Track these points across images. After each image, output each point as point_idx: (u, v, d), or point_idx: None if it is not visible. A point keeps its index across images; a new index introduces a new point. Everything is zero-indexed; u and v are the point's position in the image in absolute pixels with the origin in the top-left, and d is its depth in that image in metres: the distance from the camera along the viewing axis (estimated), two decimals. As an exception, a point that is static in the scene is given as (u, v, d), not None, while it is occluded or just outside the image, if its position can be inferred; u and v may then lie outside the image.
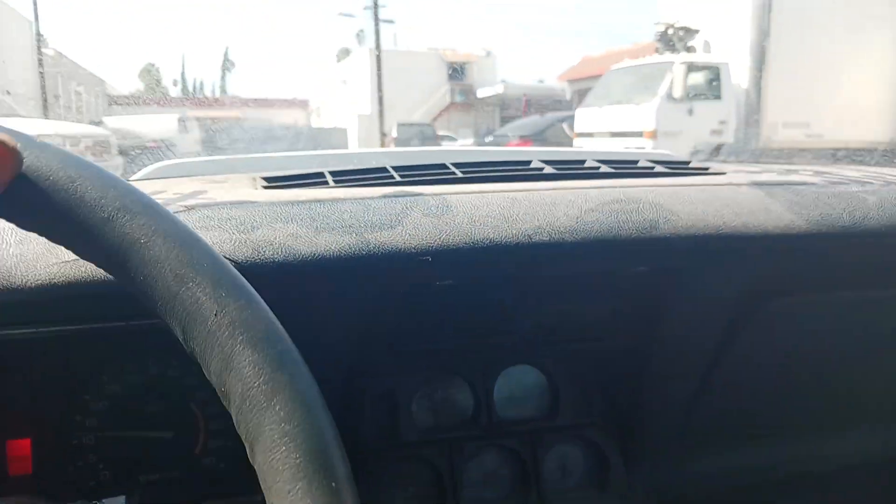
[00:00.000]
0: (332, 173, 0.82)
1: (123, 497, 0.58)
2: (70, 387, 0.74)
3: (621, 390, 0.90)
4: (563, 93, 21.99)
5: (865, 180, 0.84)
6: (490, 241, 0.65)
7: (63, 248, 0.38)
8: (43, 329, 0.63)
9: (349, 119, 21.08)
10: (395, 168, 0.82)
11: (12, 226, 0.37)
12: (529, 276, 0.71)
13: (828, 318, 0.85)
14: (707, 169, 0.90)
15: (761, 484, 1.00)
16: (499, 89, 25.17)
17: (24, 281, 0.57)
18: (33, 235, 0.38)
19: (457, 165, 0.84)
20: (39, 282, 0.57)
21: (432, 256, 0.63)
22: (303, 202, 0.67)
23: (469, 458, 0.87)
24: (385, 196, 0.69)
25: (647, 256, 0.71)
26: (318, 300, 0.65)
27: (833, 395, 0.96)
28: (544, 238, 0.66)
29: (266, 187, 0.79)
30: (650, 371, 0.83)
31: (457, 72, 29.11)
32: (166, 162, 1.14)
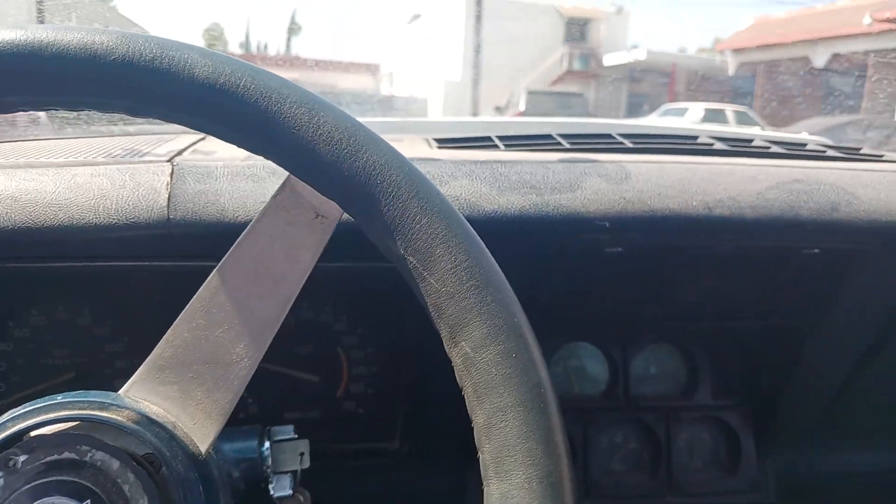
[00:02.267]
0: (501, 138, 0.83)
1: (292, 426, 0.60)
2: None
3: (766, 374, 0.88)
4: (725, 65, 15.93)
5: None
6: (670, 211, 0.64)
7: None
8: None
9: (431, 86, 17.30)
10: (562, 136, 0.82)
11: None
12: (701, 250, 0.70)
13: None
14: (882, 156, 0.86)
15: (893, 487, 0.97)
16: (639, 55, 18.25)
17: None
18: None
19: (624, 136, 0.83)
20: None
21: (610, 222, 0.63)
22: (483, 162, 0.67)
23: (602, 429, 0.88)
24: (562, 160, 0.69)
25: (826, 238, 0.68)
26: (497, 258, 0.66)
27: None
28: (724, 212, 0.65)
29: (440, 147, 0.80)
30: (802, 357, 0.81)
31: (577, 30, 21.32)
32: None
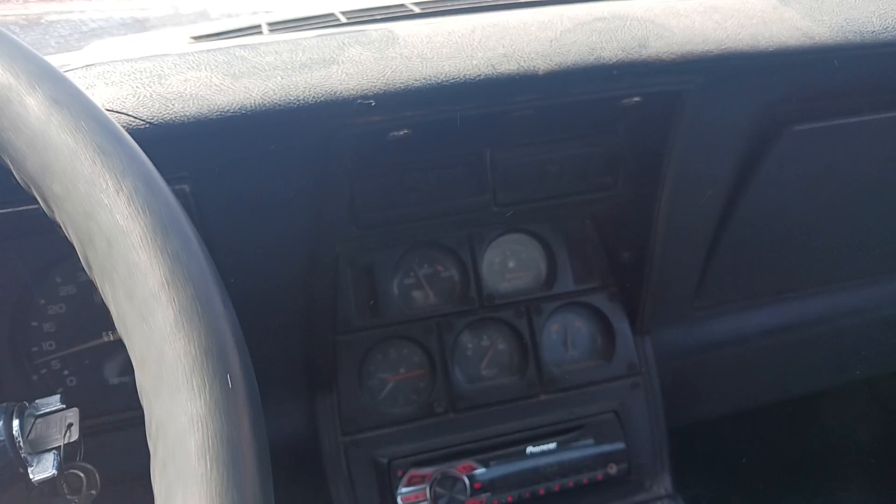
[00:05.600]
0: (271, 24, 0.71)
1: (58, 396, 0.51)
2: (18, 292, 0.68)
3: (626, 250, 0.81)
4: None
5: None
6: (446, 75, 0.54)
7: None
8: None
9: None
10: (343, 12, 0.70)
11: None
12: (503, 119, 0.60)
13: (853, 147, 0.74)
14: None
15: (771, 341, 0.93)
16: None
17: None
18: None
19: (417, 4, 0.72)
20: None
21: (375, 98, 0.53)
22: (222, 49, 0.56)
23: (459, 335, 0.80)
24: (321, 36, 0.58)
25: (638, 81, 0.60)
26: (250, 160, 0.56)
27: (856, 240, 0.86)
28: (511, 67, 0.55)
29: (195, 41, 0.68)
30: (660, 221, 0.74)
31: None
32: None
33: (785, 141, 0.69)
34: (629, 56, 0.58)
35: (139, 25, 1.02)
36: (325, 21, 0.67)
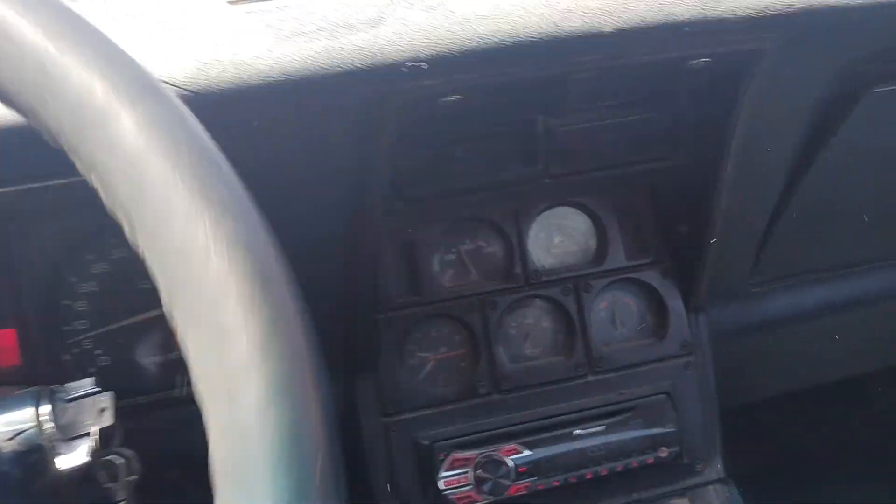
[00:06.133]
0: None
1: (91, 379, 0.49)
2: (51, 270, 0.65)
3: (682, 224, 0.76)
4: None
5: None
6: (503, 33, 0.50)
7: None
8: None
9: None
10: None
11: None
12: (562, 82, 0.56)
13: None
14: None
15: (830, 320, 0.88)
16: None
17: None
18: None
19: None
20: None
21: (428, 61, 0.49)
22: (262, 11, 0.52)
23: (504, 313, 0.77)
24: None
25: (712, 40, 0.55)
26: (293, 127, 0.52)
27: None
28: (574, 24, 0.50)
29: (233, 3, 0.64)
30: (723, 193, 0.69)
31: None
32: None
33: (864, 104, 0.64)
34: (702, 12, 0.52)
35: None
36: None
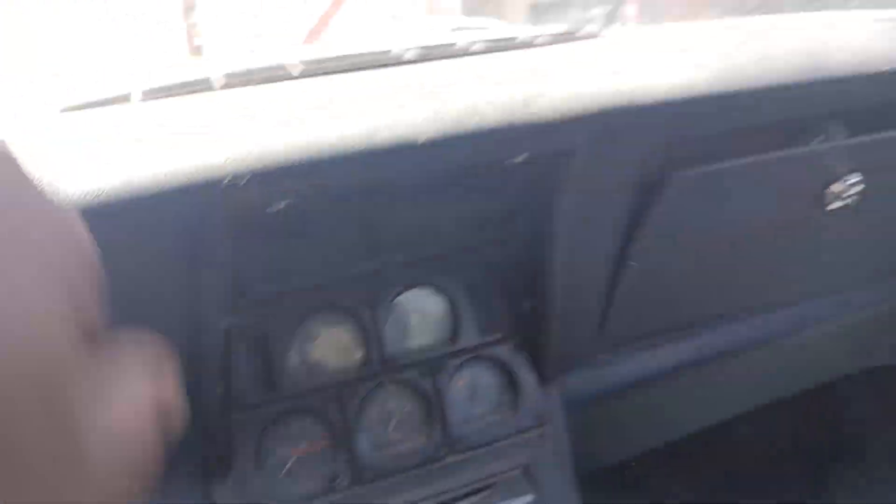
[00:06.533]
0: (145, 91, 0.67)
1: None
2: None
3: (526, 299, 0.81)
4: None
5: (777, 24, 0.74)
6: (322, 145, 0.52)
7: None
8: None
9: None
10: (226, 75, 0.67)
11: None
12: (387, 183, 0.59)
13: (739, 186, 0.77)
14: (595, 34, 0.78)
15: (679, 378, 0.95)
16: None
17: None
18: None
19: (303, 62, 0.69)
20: None
21: (251, 171, 0.50)
22: (88, 122, 0.52)
23: (363, 402, 0.77)
24: (193, 103, 0.55)
25: (522, 142, 0.59)
26: (125, 242, 0.51)
27: (749, 273, 0.90)
28: (386, 136, 0.53)
29: (64, 111, 0.63)
30: (555, 270, 0.73)
31: None
32: None
33: (671, 187, 0.71)
34: (510, 119, 0.57)
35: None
36: (199, 87, 0.63)
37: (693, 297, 0.91)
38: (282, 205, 0.55)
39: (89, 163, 0.48)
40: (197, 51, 2.68)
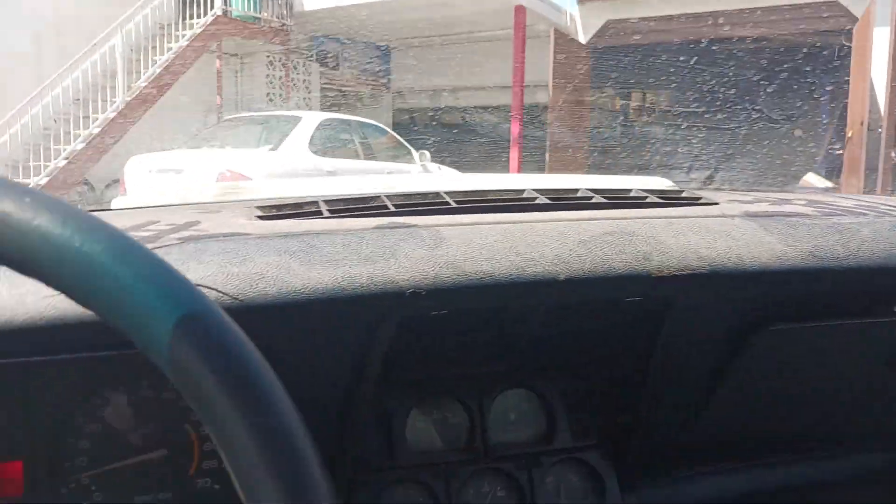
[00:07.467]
0: (327, 202, 0.82)
1: None
2: (63, 410, 0.74)
3: (618, 414, 0.90)
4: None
5: (859, 210, 0.84)
6: (483, 273, 0.65)
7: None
8: (36, 358, 0.63)
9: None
10: (389, 196, 0.82)
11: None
12: (525, 307, 0.71)
13: (821, 344, 0.85)
14: (699, 199, 0.90)
15: None
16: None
17: (13, 315, 0.57)
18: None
19: (450, 194, 0.84)
20: (29, 315, 0.58)
21: (426, 289, 0.64)
22: (296, 234, 0.67)
23: (465, 482, 0.87)
24: (379, 227, 0.70)
25: (640, 289, 0.71)
26: (314, 330, 0.65)
27: (827, 418, 0.96)
28: (536, 270, 0.66)
29: (261, 217, 0.79)
30: (646, 399, 0.83)
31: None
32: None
33: (759, 340, 0.80)
34: (634, 269, 0.69)
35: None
36: (376, 208, 0.79)
37: (772, 433, 0.98)
38: (444, 311, 0.68)
39: (304, 268, 0.62)
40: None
